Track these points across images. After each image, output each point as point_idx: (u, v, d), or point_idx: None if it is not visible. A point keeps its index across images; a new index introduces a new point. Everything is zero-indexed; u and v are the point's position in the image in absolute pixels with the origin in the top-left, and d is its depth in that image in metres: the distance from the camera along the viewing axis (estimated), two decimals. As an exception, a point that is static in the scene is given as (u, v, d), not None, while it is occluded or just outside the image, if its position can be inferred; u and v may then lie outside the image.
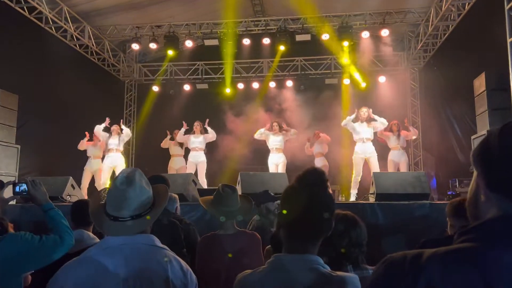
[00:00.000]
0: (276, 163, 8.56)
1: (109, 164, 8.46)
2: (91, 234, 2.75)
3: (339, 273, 1.32)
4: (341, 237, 1.85)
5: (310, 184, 1.35)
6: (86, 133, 8.72)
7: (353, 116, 8.06)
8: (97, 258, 1.46)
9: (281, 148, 8.64)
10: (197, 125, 8.83)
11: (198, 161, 8.71)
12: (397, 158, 8.24)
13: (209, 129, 8.85)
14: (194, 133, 8.84)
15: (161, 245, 1.57)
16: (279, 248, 1.39)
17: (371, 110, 8.12)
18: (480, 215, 0.82)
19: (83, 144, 8.60)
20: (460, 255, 0.74)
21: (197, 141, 8.77)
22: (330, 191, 1.39)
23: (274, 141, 8.62)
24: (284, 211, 1.37)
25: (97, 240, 2.61)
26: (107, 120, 8.71)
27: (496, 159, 0.79)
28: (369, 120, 8.09)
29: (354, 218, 1.97)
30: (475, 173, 0.85)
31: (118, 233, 1.51)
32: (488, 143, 0.82)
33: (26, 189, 2.27)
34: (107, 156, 8.54)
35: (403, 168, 8.13)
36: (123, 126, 9.01)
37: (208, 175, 8.91)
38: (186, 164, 8.92)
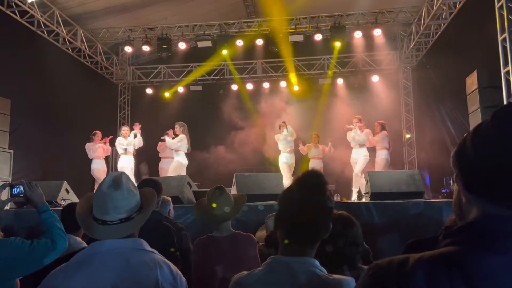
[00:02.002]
0: (287, 162, 8.73)
1: (128, 165, 8.36)
2: (78, 238, 2.70)
3: (335, 276, 1.31)
4: (338, 237, 1.85)
5: (308, 186, 1.34)
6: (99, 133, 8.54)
7: (355, 131, 8.48)
8: (85, 264, 1.44)
9: (291, 148, 8.82)
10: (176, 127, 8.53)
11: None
12: (377, 157, 8.63)
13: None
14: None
15: (150, 249, 1.54)
16: (275, 249, 1.39)
17: (360, 117, 8.61)
18: (464, 215, 0.82)
19: (93, 147, 8.36)
20: (444, 259, 0.73)
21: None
22: (328, 194, 1.38)
23: (283, 142, 8.78)
24: (282, 213, 1.37)
25: (85, 245, 2.56)
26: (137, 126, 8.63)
27: (471, 160, 0.78)
28: (361, 127, 8.53)
29: (350, 217, 1.96)
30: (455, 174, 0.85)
31: (106, 237, 1.49)
32: (464, 144, 0.81)
33: (23, 191, 2.25)
34: (124, 157, 8.46)
35: (378, 167, 8.44)
36: (131, 136, 8.65)
37: (204, 177, 8.89)
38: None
